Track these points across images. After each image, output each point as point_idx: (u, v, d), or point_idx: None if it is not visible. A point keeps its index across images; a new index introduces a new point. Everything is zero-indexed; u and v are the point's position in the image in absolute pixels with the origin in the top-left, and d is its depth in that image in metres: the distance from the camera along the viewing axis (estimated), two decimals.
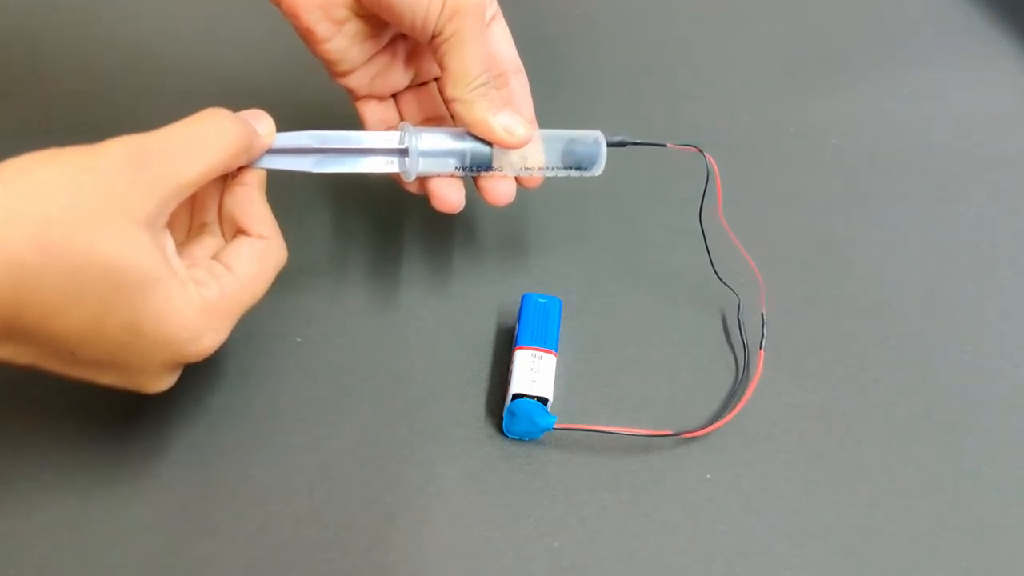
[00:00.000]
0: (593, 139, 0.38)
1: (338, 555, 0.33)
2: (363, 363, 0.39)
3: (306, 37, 0.35)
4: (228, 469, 0.35)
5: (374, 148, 0.35)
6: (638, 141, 0.39)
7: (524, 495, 0.36)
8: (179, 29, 0.57)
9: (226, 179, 0.33)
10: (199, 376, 0.38)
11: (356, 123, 0.39)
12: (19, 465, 0.35)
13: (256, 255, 0.31)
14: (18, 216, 0.24)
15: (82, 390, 0.35)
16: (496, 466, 0.36)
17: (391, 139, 0.36)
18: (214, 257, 0.31)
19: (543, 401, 0.36)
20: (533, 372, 0.36)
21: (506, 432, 0.37)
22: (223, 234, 0.33)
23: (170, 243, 0.29)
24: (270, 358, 0.39)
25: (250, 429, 0.37)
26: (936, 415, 0.40)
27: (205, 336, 0.29)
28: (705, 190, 0.40)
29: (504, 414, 0.36)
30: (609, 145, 0.38)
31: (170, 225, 0.31)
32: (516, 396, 0.36)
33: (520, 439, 0.37)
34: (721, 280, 0.42)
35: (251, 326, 0.39)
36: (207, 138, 0.29)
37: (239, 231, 0.32)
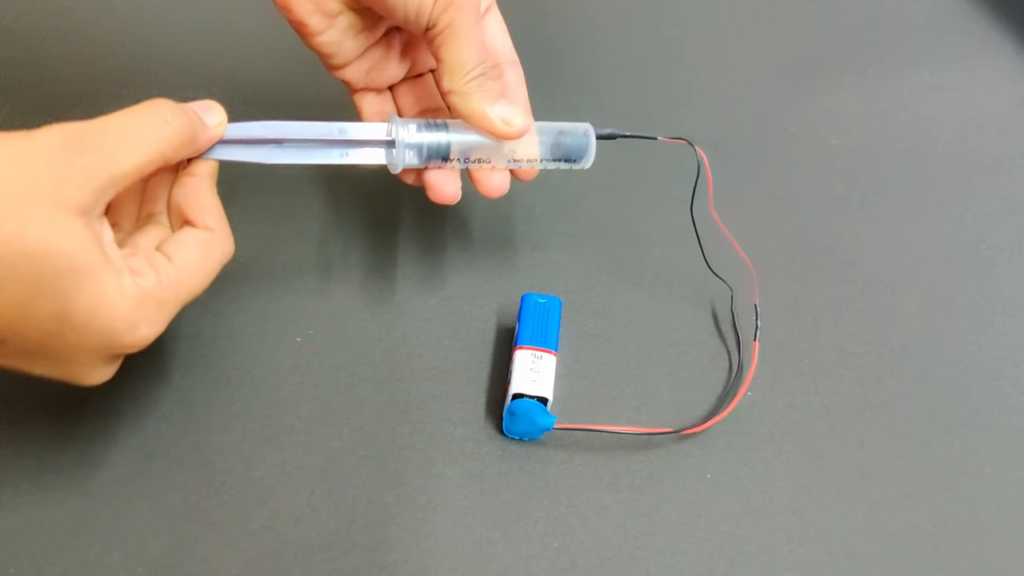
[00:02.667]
0: (582, 131, 0.38)
1: (338, 554, 0.33)
2: (363, 363, 0.39)
3: (299, 30, 0.35)
4: (229, 469, 0.35)
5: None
6: (627, 134, 0.39)
7: (524, 495, 0.36)
8: (179, 25, 0.57)
9: (176, 170, 0.32)
10: (200, 376, 0.38)
11: (354, 115, 0.39)
12: (20, 465, 0.35)
13: (199, 246, 0.31)
14: None
15: (83, 390, 0.35)
16: (496, 466, 0.36)
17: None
18: (157, 248, 0.30)
19: (543, 401, 0.36)
20: (533, 372, 0.36)
21: (506, 432, 0.37)
22: (171, 225, 0.32)
23: (107, 232, 0.28)
24: (271, 358, 0.39)
25: (251, 429, 0.37)
26: (936, 415, 0.40)
27: (140, 327, 0.28)
28: (696, 183, 0.40)
29: (504, 414, 0.36)
30: (598, 138, 0.38)
31: (117, 214, 0.31)
32: (516, 396, 0.36)
33: (520, 439, 0.37)
34: (713, 272, 0.42)
35: (252, 327, 0.40)
36: (146, 129, 0.28)
37: (185, 222, 0.31)
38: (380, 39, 0.37)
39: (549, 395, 0.36)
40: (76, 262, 0.26)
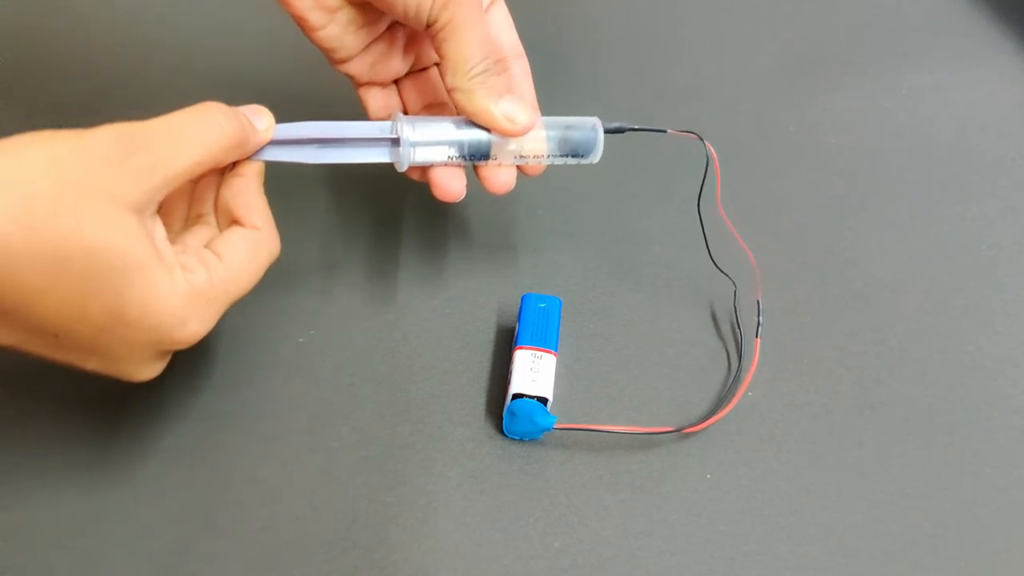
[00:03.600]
0: (590, 125, 0.38)
1: (338, 554, 0.33)
2: (364, 363, 0.39)
3: (300, 25, 0.35)
4: (231, 469, 0.35)
5: (374, 138, 0.35)
6: (636, 127, 0.38)
7: (524, 495, 0.36)
8: (183, 23, 0.57)
9: (223, 172, 0.33)
10: (201, 377, 0.38)
11: (359, 110, 0.39)
12: (23, 464, 0.35)
13: (248, 245, 0.31)
14: (3, 194, 0.24)
15: (85, 389, 0.35)
16: (496, 466, 0.36)
17: (388, 129, 0.35)
18: (206, 246, 0.31)
19: (543, 401, 0.36)
20: (533, 372, 0.36)
21: (506, 432, 0.37)
22: (218, 225, 0.33)
23: (160, 230, 0.29)
24: (273, 359, 0.39)
25: (253, 429, 0.37)
26: (936, 415, 0.40)
27: (190, 323, 0.28)
28: (704, 178, 0.40)
29: (504, 414, 0.36)
30: (606, 131, 0.38)
31: (167, 214, 0.31)
32: (516, 396, 0.36)
33: (520, 439, 0.37)
34: (717, 267, 0.42)
35: (254, 327, 0.40)
36: (199, 131, 0.29)
37: (233, 221, 0.32)
38: (383, 34, 0.37)
39: (549, 395, 0.36)
40: (130, 258, 0.26)
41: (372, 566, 0.33)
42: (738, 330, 0.42)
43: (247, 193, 0.32)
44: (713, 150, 0.39)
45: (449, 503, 0.35)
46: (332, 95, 0.42)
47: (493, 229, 0.46)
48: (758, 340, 0.40)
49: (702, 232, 0.42)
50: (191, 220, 0.33)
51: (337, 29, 0.35)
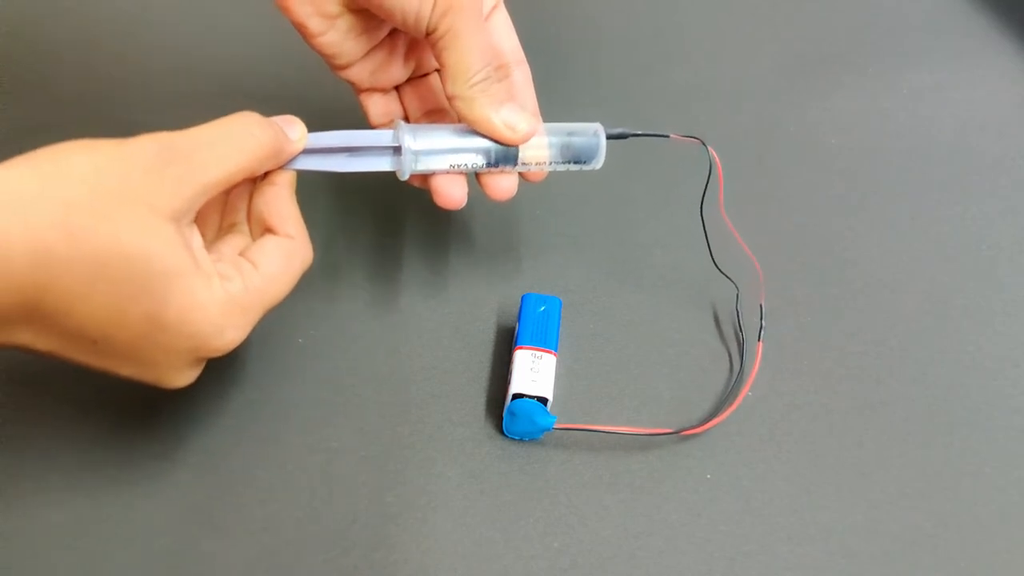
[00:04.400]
0: (592, 131, 0.37)
1: (338, 554, 0.33)
2: (364, 364, 0.39)
3: (300, 31, 0.35)
4: (232, 469, 0.35)
5: (397, 147, 0.35)
6: (639, 132, 0.38)
7: (524, 495, 0.36)
8: (183, 26, 0.57)
9: (255, 181, 0.33)
10: (200, 378, 0.38)
11: (360, 116, 0.39)
12: (25, 466, 0.35)
13: (282, 253, 0.32)
14: (44, 200, 0.24)
15: (87, 392, 0.35)
16: (496, 466, 0.36)
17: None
18: (241, 254, 0.31)
19: (543, 401, 0.36)
20: (533, 372, 0.36)
21: (506, 432, 0.37)
22: (251, 233, 0.33)
23: (197, 238, 0.29)
24: (273, 359, 0.39)
25: (254, 430, 0.37)
26: (936, 415, 0.40)
27: (227, 331, 0.29)
28: (707, 183, 0.40)
29: (504, 414, 0.36)
30: (609, 137, 0.38)
31: (201, 223, 0.31)
32: (516, 396, 0.36)
33: (520, 439, 0.37)
34: (720, 271, 0.42)
35: (255, 328, 0.40)
36: (236, 141, 0.29)
37: (267, 230, 0.32)
38: (383, 40, 0.37)
39: (549, 395, 0.36)
40: (168, 265, 0.26)
41: (372, 566, 0.33)
42: (740, 333, 0.42)
43: (280, 202, 0.32)
44: (716, 155, 0.39)
45: (449, 503, 0.35)
46: (334, 101, 0.43)
47: (493, 229, 0.46)
48: (760, 344, 0.40)
49: (704, 236, 0.42)
50: (224, 229, 0.34)
51: (337, 36, 0.35)
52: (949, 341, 0.43)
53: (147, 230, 0.26)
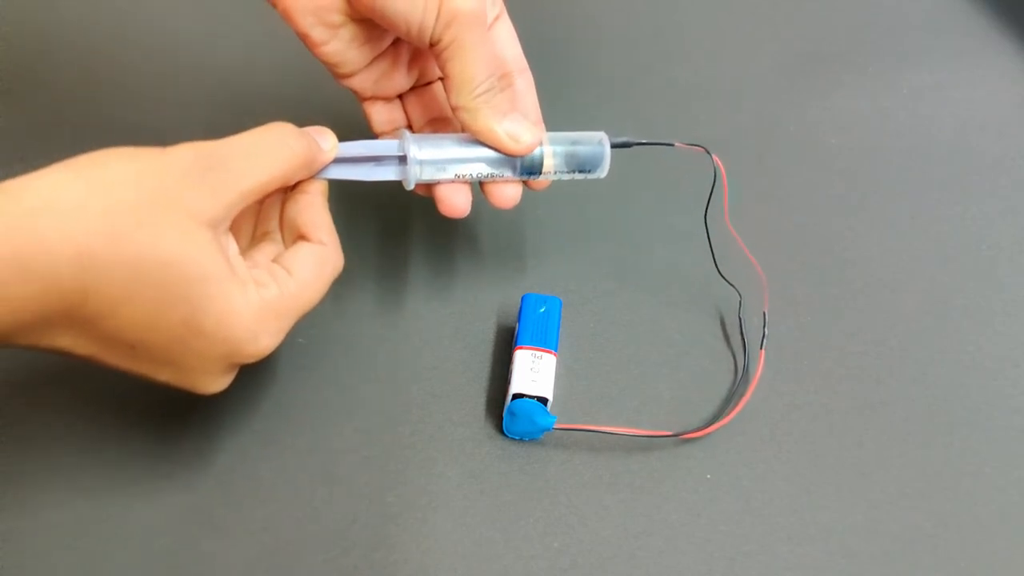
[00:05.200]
0: (597, 140, 0.37)
1: (339, 554, 0.33)
2: (365, 364, 0.39)
3: (303, 40, 0.35)
4: (232, 469, 0.35)
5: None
6: (643, 141, 0.38)
7: (524, 495, 0.36)
8: (187, 31, 0.57)
9: (287, 190, 0.33)
10: None
11: (364, 124, 0.39)
12: (27, 466, 0.35)
13: (315, 260, 0.32)
14: (88, 206, 0.25)
15: (88, 393, 0.35)
16: (496, 466, 0.36)
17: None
18: (274, 261, 0.32)
19: (543, 401, 0.36)
20: (533, 372, 0.36)
21: (506, 432, 0.37)
22: (284, 241, 0.34)
23: (233, 246, 0.30)
24: (274, 360, 0.39)
25: (254, 430, 0.37)
26: (936, 415, 0.40)
27: (262, 337, 0.29)
28: (712, 191, 0.40)
29: (504, 414, 0.36)
30: (613, 146, 0.38)
31: (235, 232, 0.32)
32: (516, 396, 0.36)
33: (520, 439, 0.37)
34: (724, 278, 0.42)
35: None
36: (272, 150, 0.30)
37: (299, 237, 0.33)
38: (387, 50, 0.37)
39: (549, 395, 0.36)
40: (205, 271, 0.27)
41: (372, 566, 0.33)
42: (743, 340, 0.42)
43: (313, 210, 0.33)
44: (721, 164, 0.39)
45: (449, 503, 0.35)
46: (336, 106, 0.42)
47: (494, 230, 0.46)
48: (763, 351, 0.40)
49: (708, 243, 0.42)
50: (257, 238, 0.34)
51: (340, 45, 0.35)
52: (949, 341, 0.43)
53: (185, 236, 0.26)
